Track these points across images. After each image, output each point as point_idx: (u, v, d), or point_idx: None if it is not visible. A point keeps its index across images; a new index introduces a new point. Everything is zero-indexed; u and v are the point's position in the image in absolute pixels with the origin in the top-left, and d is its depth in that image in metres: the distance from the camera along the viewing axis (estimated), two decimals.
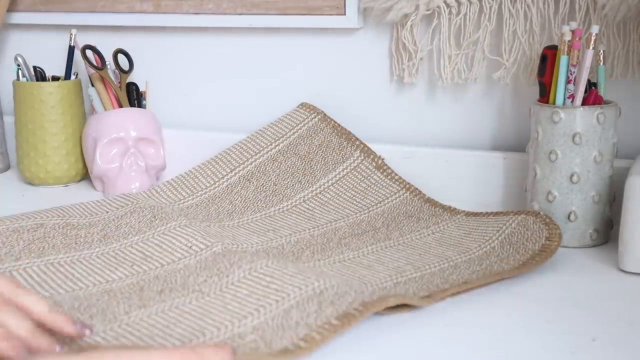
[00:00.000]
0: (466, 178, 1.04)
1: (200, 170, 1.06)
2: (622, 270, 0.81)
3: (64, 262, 0.83)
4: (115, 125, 1.12)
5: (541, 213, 0.87)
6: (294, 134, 1.09)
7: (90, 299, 0.74)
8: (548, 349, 0.64)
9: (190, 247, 0.85)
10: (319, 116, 1.10)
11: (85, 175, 1.21)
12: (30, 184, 1.19)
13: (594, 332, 0.67)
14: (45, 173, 1.17)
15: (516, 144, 1.05)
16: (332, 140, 1.07)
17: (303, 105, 1.12)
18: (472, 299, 0.74)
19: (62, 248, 0.86)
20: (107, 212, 0.96)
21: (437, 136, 1.09)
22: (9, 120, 1.27)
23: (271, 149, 1.07)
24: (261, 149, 1.08)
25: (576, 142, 0.87)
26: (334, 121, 1.09)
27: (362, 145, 1.06)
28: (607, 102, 0.90)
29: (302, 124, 1.09)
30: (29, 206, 0.98)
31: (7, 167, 1.29)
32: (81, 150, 1.19)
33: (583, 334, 0.66)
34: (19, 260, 0.82)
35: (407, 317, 0.70)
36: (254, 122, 1.15)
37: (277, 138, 1.09)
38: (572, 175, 0.88)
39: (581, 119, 0.87)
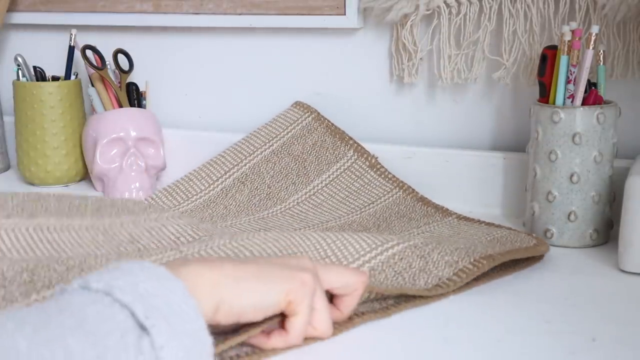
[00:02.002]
0: (466, 178, 1.03)
1: (196, 174, 1.06)
2: (622, 270, 0.81)
3: (53, 228, 0.83)
4: (115, 125, 1.12)
5: (533, 235, 0.87)
6: (287, 134, 1.08)
7: (68, 262, 0.75)
8: (548, 348, 0.64)
9: (178, 239, 0.86)
10: (313, 115, 1.10)
11: (85, 175, 1.21)
12: (30, 184, 1.19)
13: (594, 332, 0.67)
14: (45, 173, 1.17)
15: (516, 144, 1.05)
16: (325, 140, 1.07)
17: (297, 104, 1.12)
18: (472, 299, 0.74)
19: (55, 212, 0.86)
20: (103, 196, 0.97)
21: (437, 136, 1.09)
22: (9, 120, 1.27)
23: (265, 150, 1.07)
24: (255, 149, 1.08)
25: (576, 142, 0.87)
26: (328, 120, 1.09)
27: (355, 145, 1.06)
28: (607, 102, 0.90)
29: (295, 124, 1.09)
30: None
31: (7, 167, 1.29)
32: (81, 150, 1.19)
33: (583, 334, 0.66)
34: (9, 218, 0.83)
35: (407, 317, 0.70)
36: (253, 122, 1.15)
37: (270, 138, 1.09)
38: (572, 175, 0.88)
39: (581, 119, 0.87)
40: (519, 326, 0.68)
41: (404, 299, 0.72)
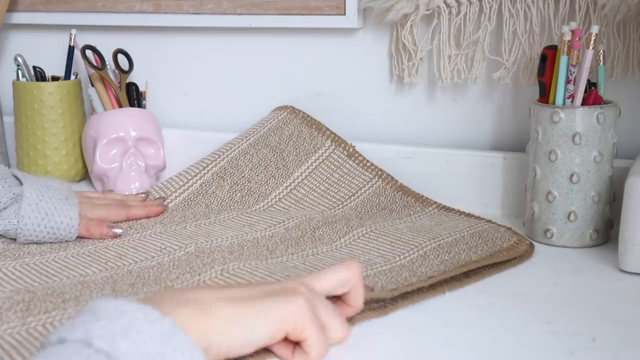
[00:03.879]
0: (466, 178, 1.03)
1: (175, 176, 1.05)
2: (622, 270, 0.81)
3: (40, 262, 0.84)
4: (115, 125, 1.12)
5: (512, 229, 0.88)
6: (264, 128, 1.08)
7: (64, 288, 0.75)
8: (548, 349, 0.64)
9: (165, 248, 0.86)
10: (288, 110, 1.10)
11: (85, 175, 1.21)
12: None
13: (594, 332, 0.67)
14: (45, 173, 1.17)
15: (516, 144, 1.05)
16: (302, 131, 1.07)
17: (276, 107, 1.12)
18: (471, 299, 0.74)
19: (37, 253, 0.87)
20: None
21: (437, 136, 1.09)
22: (9, 120, 1.27)
23: (242, 144, 1.07)
24: (232, 145, 1.07)
25: (576, 142, 0.87)
26: (303, 112, 1.09)
27: (332, 135, 1.06)
28: (607, 102, 0.90)
29: (272, 119, 1.09)
30: None
31: (7, 167, 1.29)
32: (81, 151, 1.19)
33: (583, 334, 0.66)
34: None
35: (406, 317, 0.70)
36: (253, 122, 1.15)
37: (248, 134, 1.08)
38: (572, 175, 0.88)
39: (581, 119, 0.87)
40: (518, 326, 0.68)
41: (400, 297, 0.72)
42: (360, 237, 0.87)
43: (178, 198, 1.02)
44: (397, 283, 0.74)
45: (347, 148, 1.05)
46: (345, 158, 1.04)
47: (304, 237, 0.88)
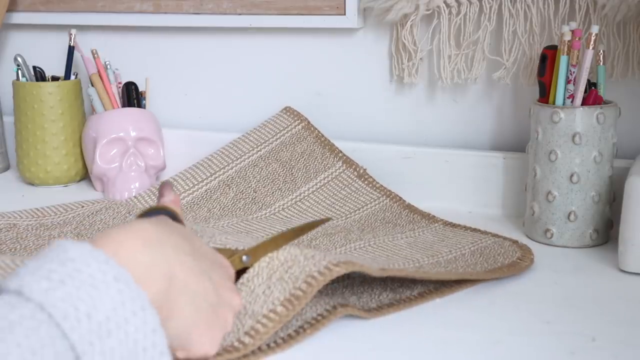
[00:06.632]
0: (466, 178, 1.03)
1: (181, 176, 1.05)
2: (622, 270, 0.81)
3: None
4: (115, 125, 1.12)
5: (519, 242, 0.87)
6: (276, 140, 1.08)
7: None
8: (548, 349, 0.64)
9: None
10: (303, 123, 1.09)
11: (85, 175, 1.21)
12: (30, 184, 1.19)
13: (594, 332, 0.67)
14: (45, 173, 1.17)
15: (516, 144, 1.05)
16: (315, 150, 1.07)
17: (287, 110, 1.12)
18: (471, 299, 0.74)
19: (34, 250, 0.86)
20: (83, 206, 0.96)
21: (437, 136, 1.09)
22: (8, 120, 1.27)
23: (252, 154, 1.06)
24: (242, 154, 1.07)
25: (576, 142, 0.87)
26: (318, 130, 1.09)
27: (344, 157, 1.06)
28: (607, 102, 0.90)
29: (285, 130, 1.09)
30: (28, 206, 0.98)
31: (7, 167, 1.29)
32: (81, 150, 1.19)
33: (583, 334, 0.66)
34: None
35: (406, 317, 0.70)
36: (253, 122, 1.15)
37: (259, 144, 1.08)
38: (572, 175, 0.88)
39: (581, 119, 0.87)
40: (519, 327, 0.68)
41: (397, 299, 0.72)
42: (357, 250, 0.86)
43: (182, 201, 1.01)
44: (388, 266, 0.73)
45: (357, 169, 1.05)
46: (355, 178, 1.04)
47: (298, 246, 0.88)
